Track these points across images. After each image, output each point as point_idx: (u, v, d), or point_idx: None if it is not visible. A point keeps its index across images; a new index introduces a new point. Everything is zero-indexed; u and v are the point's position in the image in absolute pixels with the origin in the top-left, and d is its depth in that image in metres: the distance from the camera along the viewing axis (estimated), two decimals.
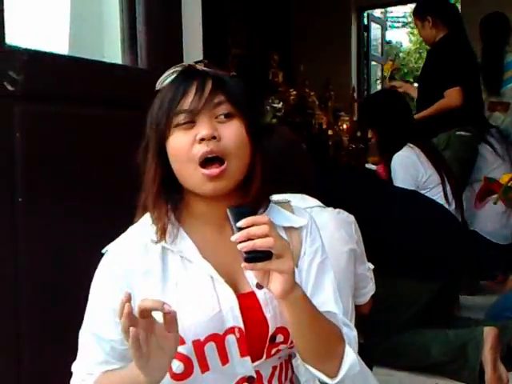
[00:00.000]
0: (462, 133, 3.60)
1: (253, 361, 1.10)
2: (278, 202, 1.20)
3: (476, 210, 3.83)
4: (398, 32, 18.94)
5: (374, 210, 2.50)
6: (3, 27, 1.53)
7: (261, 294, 1.11)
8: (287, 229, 1.16)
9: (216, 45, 3.29)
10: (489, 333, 2.32)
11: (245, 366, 1.10)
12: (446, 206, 3.01)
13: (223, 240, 1.10)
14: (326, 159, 4.57)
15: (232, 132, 1.07)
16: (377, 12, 9.21)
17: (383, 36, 7.85)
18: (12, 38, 1.56)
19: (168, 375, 1.08)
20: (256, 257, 0.96)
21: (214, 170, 1.05)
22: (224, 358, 1.09)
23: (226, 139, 1.06)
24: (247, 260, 0.96)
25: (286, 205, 1.21)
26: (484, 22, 4.18)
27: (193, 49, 2.14)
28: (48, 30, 2.11)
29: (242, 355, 1.09)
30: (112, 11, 2.06)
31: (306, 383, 1.25)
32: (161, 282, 1.09)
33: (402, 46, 19.16)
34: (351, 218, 1.97)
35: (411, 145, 3.10)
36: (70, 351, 1.14)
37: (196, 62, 1.13)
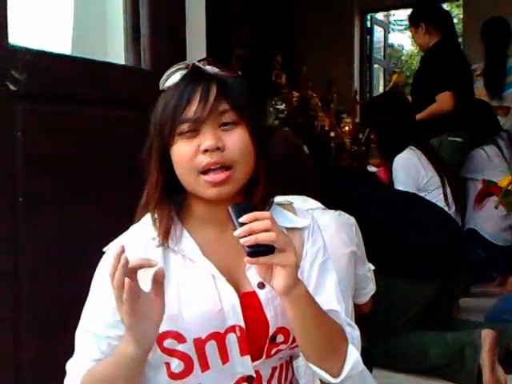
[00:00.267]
0: (454, 138, 3.62)
1: (253, 360, 1.11)
2: (280, 204, 1.20)
3: (474, 212, 3.85)
4: (401, 35, 18.98)
5: (374, 211, 2.50)
6: (6, 27, 1.53)
7: (262, 294, 1.11)
8: (289, 230, 1.15)
9: (219, 46, 3.30)
10: (487, 335, 2.32)
11: (245, 365, 1.11)
12: (446, 208, 3.02)
13: (225, 240, 1.11)
14: (328, 161, 4.57)
15: (236, 140, 1.07)
16: (380, 15, 9.21)
17: (386, 39, 7.84)
18: (15, 38, 1.56)
19: (166, 374, 1.09)
20: (259, 251, 0.96)
21: (218, 176, 1.05)
22: (224, 357, 1.09)
23: (231, 149, 1.06)
24: (250, 254, 0.96)
25: (288, 206, 1.22)
26: (485, 27, 4.21)
27: (196, 49, 2.15)
28: (51, 29, 2.11)
29: (242, 354, 1.10)
30: (115, 11, 2.06)
31: None
32: None
33: (403, 49, 19.19)
34: (352, 219, 1.98)
35: (412, 147, 3.11)
36: (70, 351, 1.14)
37: (200, 61, 1.13)
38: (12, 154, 1.54)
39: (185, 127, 1.06)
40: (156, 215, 1.12)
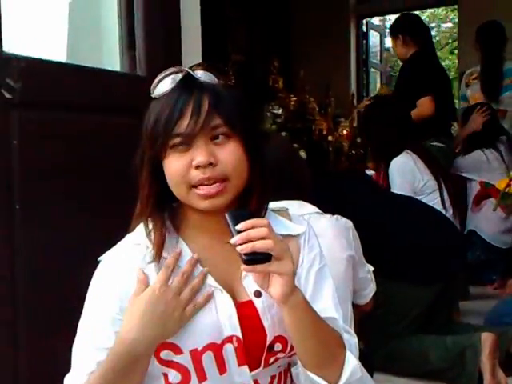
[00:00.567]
0: (436, 143, 3.67)
1: (251, 370, 1.10)
2: (275, 210, 1.19)
3: (473, 214, 3.86)
4: None
5: (373, 214, 2.50)
6: (0, 34, 1.53)
7: (259, 303, 1.10)
8: (285, 237, 1.13)
9: (215, 51, 3.29)
10: (487, 338, 2.32)
11: (242, 376, 1.09)
12: (443, 211, 3.02)
13: (221, 249, 1.09)
14: (326, 165, 4.57)
15: (229, 154, 1.05)
16: (375, 20, 9.23)
17: (382, 43, 7.85)
18: (9, 46, 1.55)
19: None
20: (256, 259, 0.95)
21: (211, 189, 1.04)
22: (222, 368, 1.08)
23: (224, 163, 1.04)
24: (247, 262, 0.95)
25: (283, 212, 1.21)
26: (480, 31, 4.26)
27: (192, 55, 2.14)
28: (46, 37, 2.10)
29: (240, 364, 1.09)
30: (110, 17, 2.05)
31: None
32: None
33: None
34: (349, 223, 1.97)
35: (409, 151, 3.12)
36: (67, 352, 1.12)
37: (194, 66, 1.11)
38: (8, 162, 1.54)
39: (177, 141, 1.04)
40: (150, 226, 1.10)
